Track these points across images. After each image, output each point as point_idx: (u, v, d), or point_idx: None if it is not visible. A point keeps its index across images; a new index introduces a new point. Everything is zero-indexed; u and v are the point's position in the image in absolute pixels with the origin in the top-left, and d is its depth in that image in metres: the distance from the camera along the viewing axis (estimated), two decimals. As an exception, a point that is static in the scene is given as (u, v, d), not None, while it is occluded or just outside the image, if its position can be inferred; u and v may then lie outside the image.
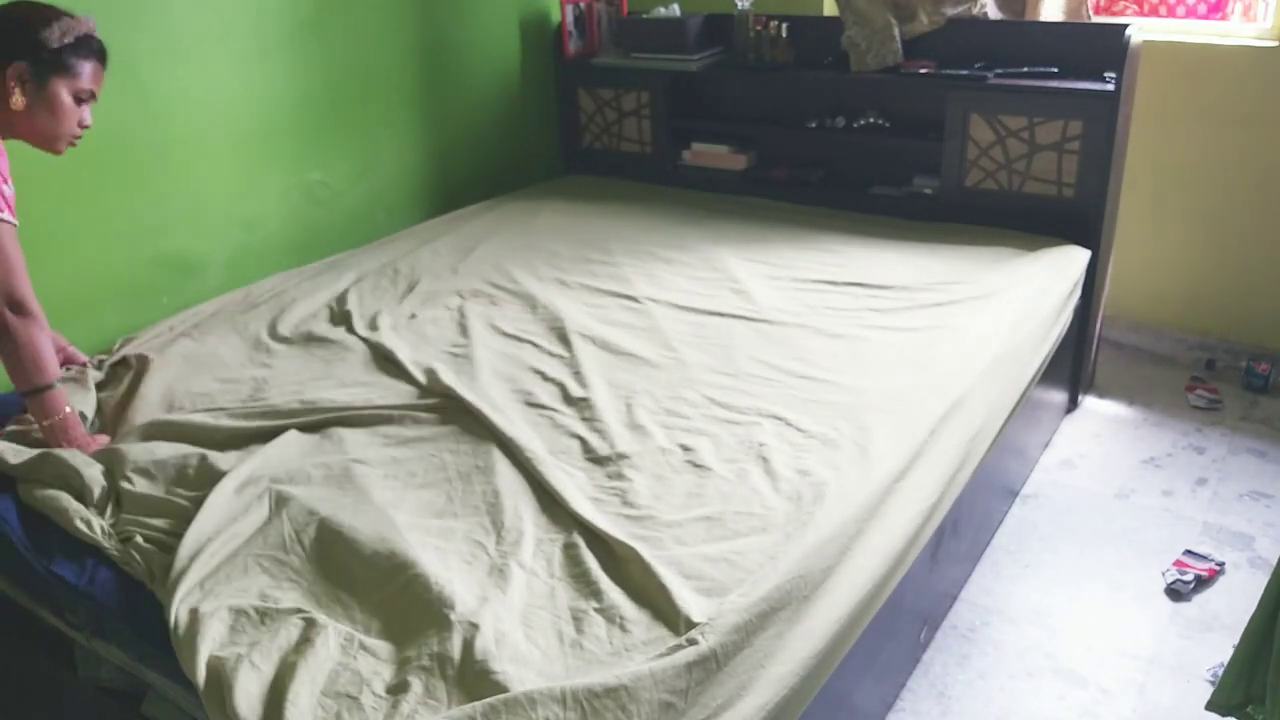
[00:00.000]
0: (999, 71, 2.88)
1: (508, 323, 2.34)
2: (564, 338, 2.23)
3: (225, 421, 1.89)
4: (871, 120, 3.13)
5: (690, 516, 1.58)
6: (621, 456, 1.75)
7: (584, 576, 1.46)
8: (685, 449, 1.76)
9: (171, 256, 2.56)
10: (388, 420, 1.90)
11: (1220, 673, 1.57)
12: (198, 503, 1.64)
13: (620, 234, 2.93)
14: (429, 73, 3.18)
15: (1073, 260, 2.68)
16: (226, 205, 2.66)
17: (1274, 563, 1.52)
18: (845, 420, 1.84)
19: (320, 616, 1.40)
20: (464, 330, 2.30)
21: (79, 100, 1.80)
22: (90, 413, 1.98)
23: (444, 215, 3.18)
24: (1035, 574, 2.31)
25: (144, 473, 1.73)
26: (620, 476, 1.69)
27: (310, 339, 2.29)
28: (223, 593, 1.45)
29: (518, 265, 2.69)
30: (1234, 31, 3.03)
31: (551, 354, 2.17)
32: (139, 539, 1.58)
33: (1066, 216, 2.81)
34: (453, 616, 1.36)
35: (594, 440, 1.81)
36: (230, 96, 2.62)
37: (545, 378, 2.06)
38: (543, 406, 1.94)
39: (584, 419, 1.88)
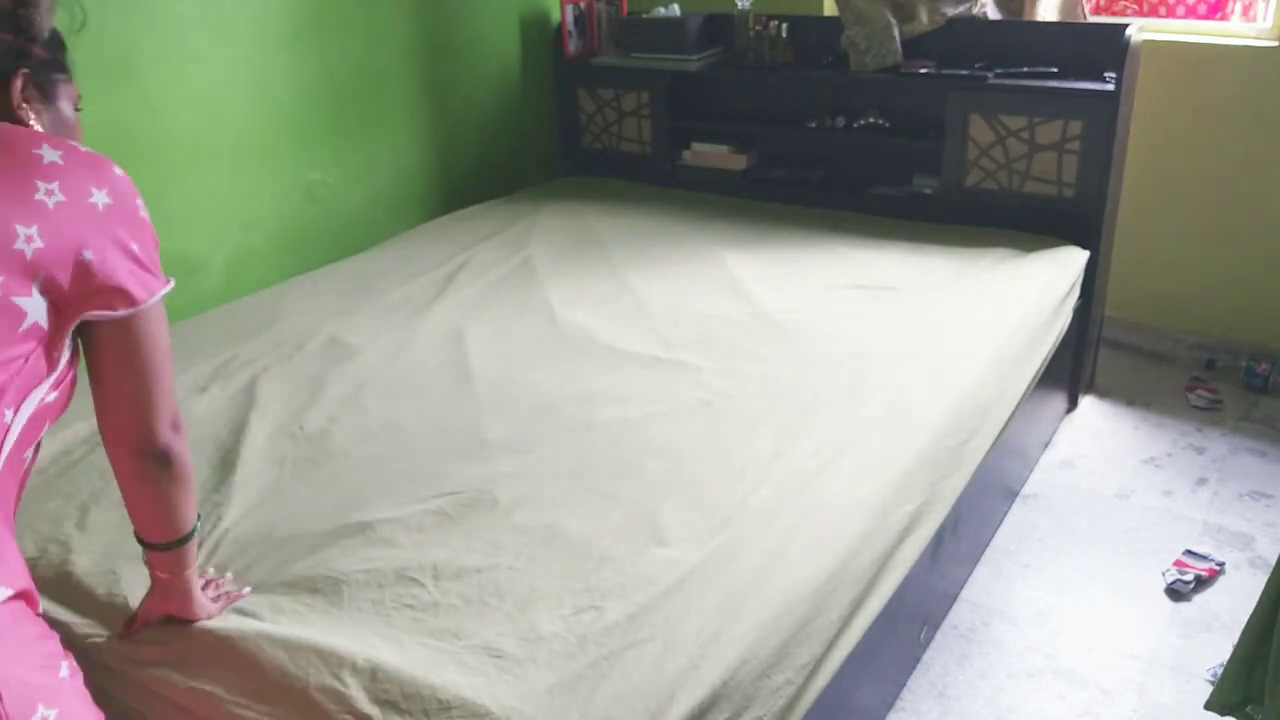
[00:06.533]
0: (999, 71, 2.88)
1: (507, 326, 2.33)
2: (562, 339, 2.23)
3: None
4: (871, 120, 3.13)
5: (693, 516, 1.58)
6: (625, 457, 1.75)
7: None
8: (691, 451, 1.76)
9: (171, 257, 2.53)
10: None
11: (1220, 672, 1.57)
12: None
13: (620, 235, 2.92)
14: (429, 73, 3.18)
15: (1072, 260, 2.68)
16: (227, 205, 2.66)
17: (1274, 563, 1.51)
18: (847, 421, 1.84)
19: None
20: (458, 336, 2.30)
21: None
22: None
23: (442, 217, 3.16)
24: (1035, 574, 2.31)
25: None
26: (625, 479, 1.69)
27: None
28: None
29: (517, 268, 2.69)
30: (1234, 31, 3.03)
31: (552, 354, 2.17)
32: None
33: (1066, 216, 2.81)
34: None
35: (596, 441, 1.81)
36: (230, 96, 2.62)
37: (545, 379, 2.06)
38: (544, 409, 1.94)
39: (584, 421, 1.88)
